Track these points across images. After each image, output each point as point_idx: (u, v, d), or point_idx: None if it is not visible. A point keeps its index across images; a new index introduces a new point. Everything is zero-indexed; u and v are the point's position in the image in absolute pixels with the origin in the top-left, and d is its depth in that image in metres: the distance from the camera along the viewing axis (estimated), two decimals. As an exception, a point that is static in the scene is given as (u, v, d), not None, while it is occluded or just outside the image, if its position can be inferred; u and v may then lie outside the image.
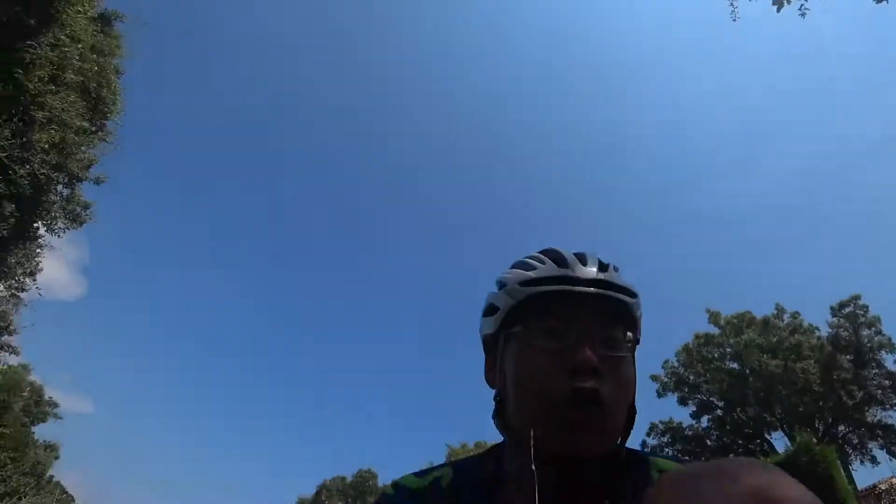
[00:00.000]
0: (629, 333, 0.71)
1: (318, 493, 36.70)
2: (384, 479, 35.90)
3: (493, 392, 0.75)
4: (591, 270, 0.70)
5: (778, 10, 5.12)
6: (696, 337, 21.77)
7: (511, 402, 0.69)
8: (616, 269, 0.74)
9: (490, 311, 0.77)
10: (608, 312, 0.69)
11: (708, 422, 21.83)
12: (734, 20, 5.46)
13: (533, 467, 0.59)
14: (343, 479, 37.06)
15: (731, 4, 5.34)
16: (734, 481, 0.35)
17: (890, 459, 18.85)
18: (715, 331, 21.56)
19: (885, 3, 4.71)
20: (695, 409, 21.48)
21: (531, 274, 0.71)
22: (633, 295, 0.71)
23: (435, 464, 0.81)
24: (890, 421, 19.24)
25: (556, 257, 0.73)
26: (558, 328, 0.67)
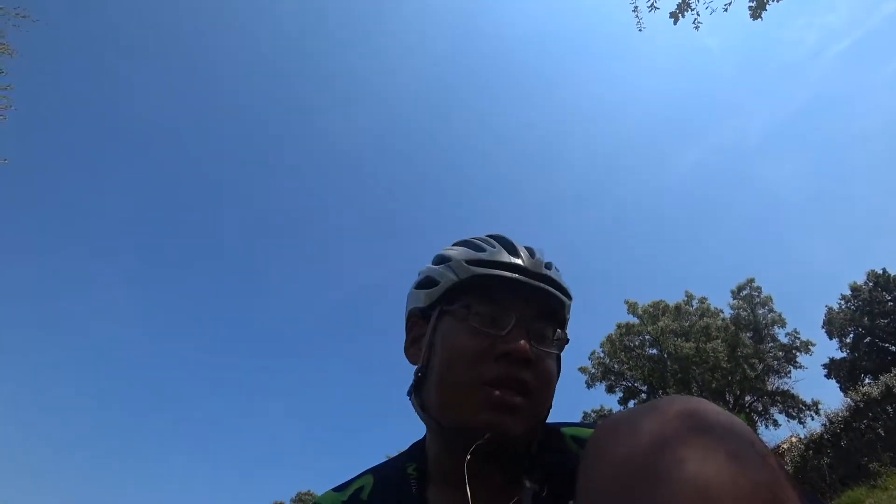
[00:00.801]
0: (560, 332, 0.73)
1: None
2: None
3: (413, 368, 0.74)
4: (540, 264, 0.71)
5: (675, 23, 5.67)
6: (618, 327, 22.94)
7: (435, 380, 0.68)
8: (558, 270, 0.76)
9: (426, 283, 0.75)
10: (547, 308, 0.71)
11: (635, 405, 22.87)
12: (640, 30, 5.95)
13: (468, 457, 0.60)
14: (281, 505, 35.39)
15: (637, 17, 5.83)
16: (665, 412, 0.38)
17: (788, 421, 21.06)
18: (634, 320, 22.91)
19: (759, 19, 5.37)
20: (622, 395, 22.65)
21: (481, 255, 0.71)
22: (570, 297, 0.74)
23: None
24: (786, 387, 21.53)
25: (508, 245, 0.73)
26: (497, 314, 0.67)
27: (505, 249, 0.72)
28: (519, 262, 0.70)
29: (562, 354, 0.75)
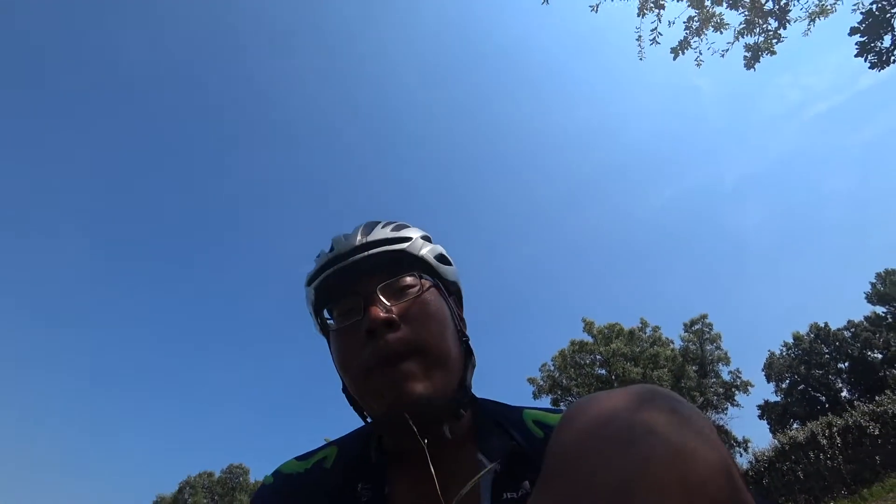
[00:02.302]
0: (420, 274, 0.72)
1: (180, 491, 33.83)
2: (257, 474, 34.05)
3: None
4: (354, 239, 0.71)
5: (674, 59, 5.80)
6: (572, 343, 23.40)
7: (348, 387, 0.70)
8: (385, 225, 0.75)
9: (311, 316, 0.78)
10: (386, 267, 0.70)
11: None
12: (640, 59, 6.04)
13: (425, 442, 0.59)
14: (210, 474, 34.46)
15: (639, 45, 5.92)
16: (637, 392, 0.40)
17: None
18: (589, 338, 23.41)
19: (753, 70, 5.57)
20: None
21: (311, 272, 0.74)
22: (403, 240, 0.73)
23: None
24: (721, 422, 22.43)
25: (334, 242, 0.73)
26: (350, 305, 0.69)
27: (330, 249, 0.73)
28: (334, 253, 0.71)
29: (445, 291, 0.75)
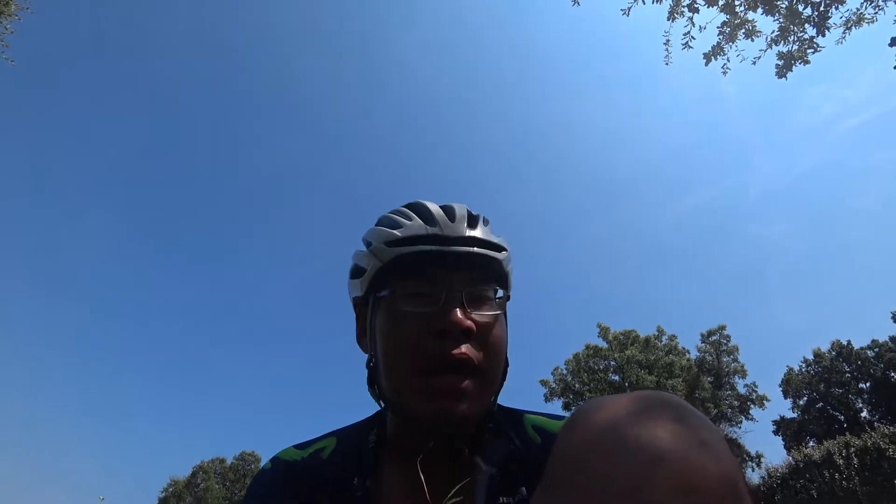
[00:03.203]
0: (500, 290, 0.70)
1: (193, 475, 34.60)
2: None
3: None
4: (461, 227, 0.67)
5: (706, 64, 5.69)
6: (587, 348, 23.25)
7: (382, 370, 0.65)
8: (486, 223, 0.71)
9: (356, 272, 0.72)
10: (479, 270, 0.67)
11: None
12: (667, 64, 5.95)
13: (421, 457, 0.58)
14: (223, 461, 35.23)
15: (667, 50, 5.83)
16: (643, 398, 0.40)
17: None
18: (603, 344, 23.26)
19: (784, 79, 5.45)
20: (576, 414, 23.08)
21: (397, 233, 0.67)
22: (503, 249, 0.69)
23: None
24: (734, 436, 22.09)
25: (424, 214, 0.68)
26: (428, 290, 0.64)
27: (421, 219, 0.68)
28: (436, 230, 0.66)
29: (506, 314, 0.71)
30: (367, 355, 0.71)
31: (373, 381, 0.69)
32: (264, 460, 0.73)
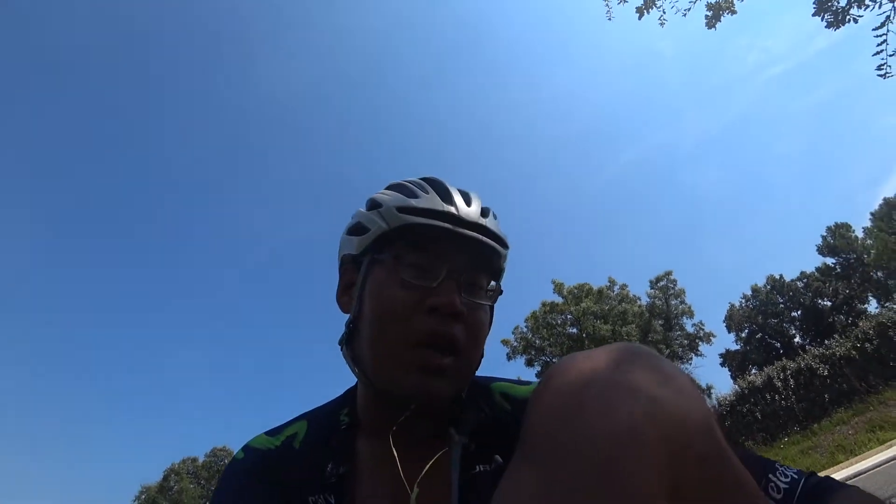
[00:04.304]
0: (494, 283, 0.71)
1: (166, 478, 33.61)
2: (240, 455, 33.97)
3: (345, 317, 0.71)
4: (475, 212, 0.68)
5: (639, 18, 5.83)
6: (543, 305, 23.81)
7: (365, 332, 0.65)
8: (495, 217, 0.73)
9: (357, 230, 0.71)
10: (481, 259, 0.68)
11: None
12: (609, 19, 6.03)
13: (394, 428, 0.60)
14: (194, 459, 34.39)
15: (607, 5, 5.92)
16: (619, 349, 0.40)
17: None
18: (559, 299, 23.97)
19: (714, 29, 5.67)
20: (540, 369, 23.77)
21: (413, 202, 0.66)
22: (506, 246, 0.71)
23: None
24: (687, 371, 23.58)
25: (441, 191, 0.69)
26: (428, 265, 0.64)
27: (438, 195, 0.68)
28: (452, 209, 0.66)
29: (495, 309, 0.73)
30: (346, 315, 0.70)
31: (350, 342, 0.68)
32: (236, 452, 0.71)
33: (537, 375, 23.92)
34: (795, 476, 0.55)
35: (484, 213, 0.70)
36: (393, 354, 0.62)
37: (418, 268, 0.64)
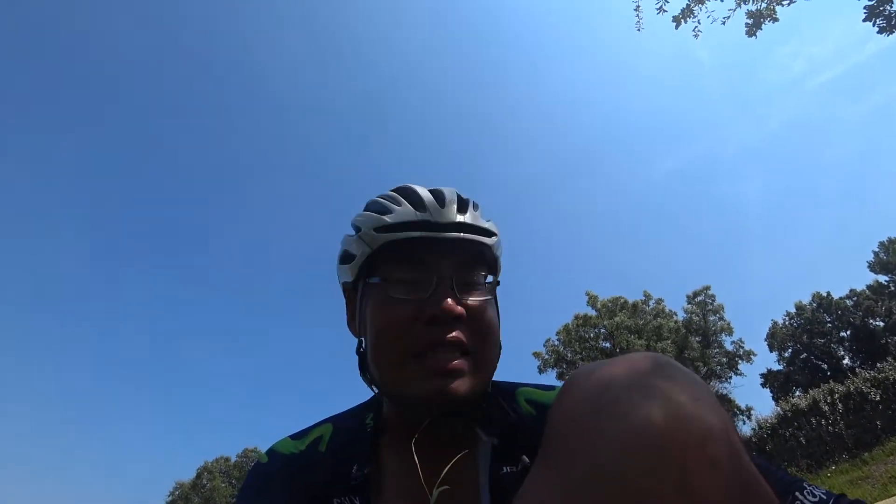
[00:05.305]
0: (490, 275, 0.70)
1: (198, 476, 34.64)
2: (271, 457, 34.68)
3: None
4: (451, 212, 0.66)
5: (676, 27, 5.71)
6: (576, 318, 23.50)
7: (372, 356, 0.65)
8: (476, 207, 0.71)
9: (346, 258, 0.71)
10: (469, 256, 0.67)
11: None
12: (638, 30, 5.94)
13: (416, 436, 0.59)
14: (227, 459, 35.32)
15: (637, 16, 5.82)
16: (635, 359, 0.41)
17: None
18: (592, 312, 23.57)
19: (754, 37, 5.50)
20: (571, 383, 23.48)
21: (387, 219, 0.66)
22: (493, 235, 0.69)
23: None
24: (725, 391, 22.74)
25: (413, 199, 0.67)
26: (418, 277, 0.64)
27: (411, 205, 0.67)
28: (426, 216, 0.65)
29: (497, 298, 0.72)
30: (357, 339, 0.71)
31: (364, 367, 0.69)
32: (266, 456, 0.72)
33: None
34: (824, 496, 0.52)
35: (461, 208, 0.68)
36: (401, 369, 0.62)
37: (408, 282, 0.64)
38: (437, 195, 0.68)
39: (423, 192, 0.68)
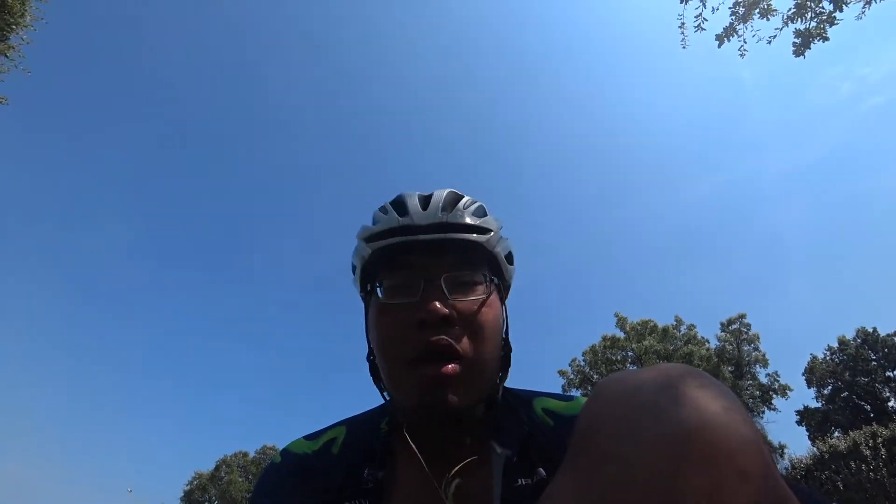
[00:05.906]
0: (488, 273, 0.68)
1: (217, 468, 35.37)
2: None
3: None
4: (434, 214, 0.66)
5: (719, 46, 5.55)
6: (604, 339, 23.11)
7: (377, 363, 0.68)
8: (469, 205, 0.70)
9: (353, 269, 0.74)
10: (459, 255, 0.66)
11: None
12: (683, 48, 5.77)
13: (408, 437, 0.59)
14: (245, 454, 35.96)
15: (682, 33, 5.67)
16: (666, 368, 0.40)
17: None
18: (621, 334, 23.06)
19: (802, 57, 5.25)
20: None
21: (374, 228, 0.68)
22: (484, 231, 0.67)
23: None
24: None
25: (398, 205, 0.69)
26: (406, 281, 0.65)
27: (395, 211, 0.68)
28: (407, 220, 0.66)
29: (503, 294, 0.71)
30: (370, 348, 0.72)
31: (375, 373, 0.70)
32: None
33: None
34: None
35: (447, 206, 0.67)
36: (399, 377, 0.63)
37: (398, 288, 0.65)
38: (423, 199, 0.69)
39: (410, 198, 0.69)
